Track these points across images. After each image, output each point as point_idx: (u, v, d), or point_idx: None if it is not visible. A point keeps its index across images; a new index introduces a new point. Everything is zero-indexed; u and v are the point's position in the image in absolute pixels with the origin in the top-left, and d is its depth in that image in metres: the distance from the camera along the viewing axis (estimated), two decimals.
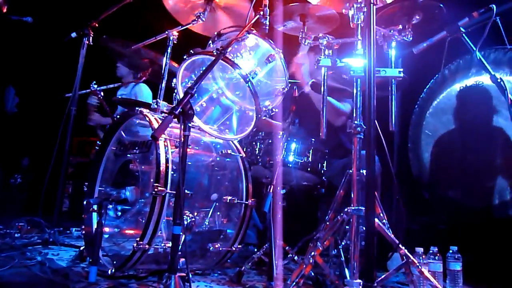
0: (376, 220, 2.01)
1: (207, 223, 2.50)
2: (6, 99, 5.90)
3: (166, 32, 2.74)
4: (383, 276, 2.07)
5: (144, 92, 4.22)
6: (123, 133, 2.66)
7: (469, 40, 2.26)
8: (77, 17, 4.40)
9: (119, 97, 4.35)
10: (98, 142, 2.70)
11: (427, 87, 3.62)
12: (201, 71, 1.94)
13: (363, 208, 1.96)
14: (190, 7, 2.83)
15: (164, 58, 2.73)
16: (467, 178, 3.26)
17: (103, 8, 3.31)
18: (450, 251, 2.40)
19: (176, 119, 1.71)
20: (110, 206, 2.47)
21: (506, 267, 2.70)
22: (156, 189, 2.05)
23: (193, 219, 2.19)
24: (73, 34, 3.53)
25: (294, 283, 2.00)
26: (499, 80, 2.07)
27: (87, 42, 3.39)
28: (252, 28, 2.22)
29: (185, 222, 2.13)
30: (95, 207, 2.10)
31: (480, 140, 3.18)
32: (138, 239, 2.07)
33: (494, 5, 2.20)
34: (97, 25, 3.39)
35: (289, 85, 2.34)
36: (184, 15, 2.87)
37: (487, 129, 3.15)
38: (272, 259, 2.02)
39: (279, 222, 2.16)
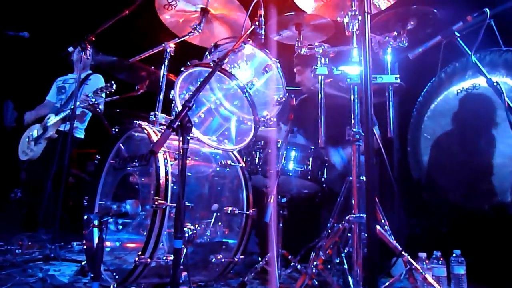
0: (378, 227, 2.00)
1: (208, 234, 2.49)
2: (4, 113, 5.91)
3: (163, 45, 2.74)
4: (387, 283, 2.07)
5: (100, 83, 4.20)
6: (121, 146, 2.65)
7: (465, 43, 2.26)
8: (74, 32, 4.43)
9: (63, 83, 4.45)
10: (97, 156, 2.69)
11: (424, 90, 3.63)
12: (199, 83, 1.94)
13: (365, 216, 1.95)
14: (186, 19, 2.85)
15: (162, 70, 2.73)
16: (467, 180, 3.26)
17: (100, 21, 3.32)
18: (454, 255, 2.39)
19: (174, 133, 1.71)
20: (111, 220, 2.46)
21: (510, 268, 2.68)
22: (156, 203, 2.05)
23: (194, 231, 2.18)
24: (70, 49, 3.54)
25: None
26: (495, 84, 2.07)
27: (84, 56, 3.40)
28: (248, 39, 2.23)
29: (187, 235, 2.12)
30: (95, 222, 2.09)
31: (479, 141, 3.19)
32: (139, 253, 2.06)
33: (487, 9, 2.21)
34: (93, 38, 3.39)
35: (287, 94, 2.35)
36: (180, 27, 2.89)
37: (485, 130, 3.15)
38: (275, 269, 2.01)
39: (279, 232, 2.15)
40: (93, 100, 3.78)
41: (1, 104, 5.91)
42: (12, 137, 4.62)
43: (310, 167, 2.61)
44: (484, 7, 2.24)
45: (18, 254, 3.18)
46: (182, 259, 1.71)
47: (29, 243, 3.35)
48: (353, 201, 2.08)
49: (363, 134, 2.08)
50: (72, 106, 3.82)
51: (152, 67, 3.29)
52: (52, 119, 4.09)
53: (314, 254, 2.20)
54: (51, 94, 4.56)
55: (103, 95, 3.87)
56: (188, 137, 1.75)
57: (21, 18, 5.16)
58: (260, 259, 2.61)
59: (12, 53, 5.06)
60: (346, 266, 2.17)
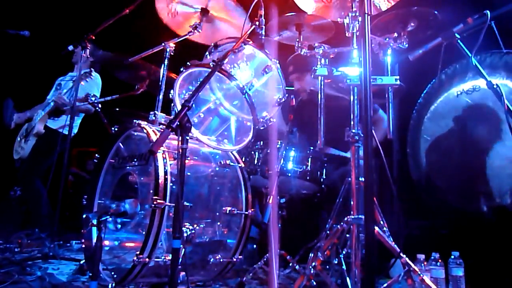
0: (376, 228, 2.00)
1: (207, 234, 2.49)
2: (4, 111, 5.90)
3: (163, 44, 2.74)
4: (385, 285, 2.06)
5: (98, 83, 4.23)
6: (121, 145, 2.65)
7: (465, 45, 2.26)
8: (74, 30, 4.42)
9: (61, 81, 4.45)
10: (96, 154, 2.69)
11: (424, 92, 3.63)
12: (198, 83, 1.94)
13: (363, 217, 1.95)
14: (187, 18, 2.85)
15: (161, 70, 2.73)
16: (466, 182, 3.25)
17: (100, 20, 3.32)
18: (452, 257, 2.39)
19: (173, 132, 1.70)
20: (110, 219, 2.46)
21: (508, 270, 2.68)
22: (155, 202, 2.05)
23: (193, 231, 2.18)
24: (70, 47, 3.54)
25: None
26: (495, 86, 2.07)
27: (84, 55, 3.39)
28: (248, 39, 2.23)
29: (185, 235, 2.12)
30: (94, 221, 2.09)
31: (478, 143, 3.18)
32: (138, 252, 2.06)
33: (488, 11, 2.21)
34: (94, 37, 3.39)
35: (286, 94, 2.35)
36: (180, 26, 2.89)
37: (485, 132, 3.15)
38: (274, 270, 2.01)
39: (278, 232, 2.15)
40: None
41: (1, 103, 5.91)
42: (11, 135, 4.63)
43: (309, 167, 2.61)
44: (485, 9, 2.24)
45: (17, 252, 3.18)
46: (180, 259, 1.71)
47: (28, 241, 3.36)
48: (352, 202, 2.08)
49: (362, 135, 2.08)
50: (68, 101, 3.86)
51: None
52: (40, 115, 4.09)
53: (312, 254, 2.20)
54: (51, 94, 4.56)
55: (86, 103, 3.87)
56: (187, 137, 1.75)
57: (21, 17, 5.16)
58: (255, 246, 2.61)
59: (12, 52, 5.06)
60: (344, 267, 2.17)
